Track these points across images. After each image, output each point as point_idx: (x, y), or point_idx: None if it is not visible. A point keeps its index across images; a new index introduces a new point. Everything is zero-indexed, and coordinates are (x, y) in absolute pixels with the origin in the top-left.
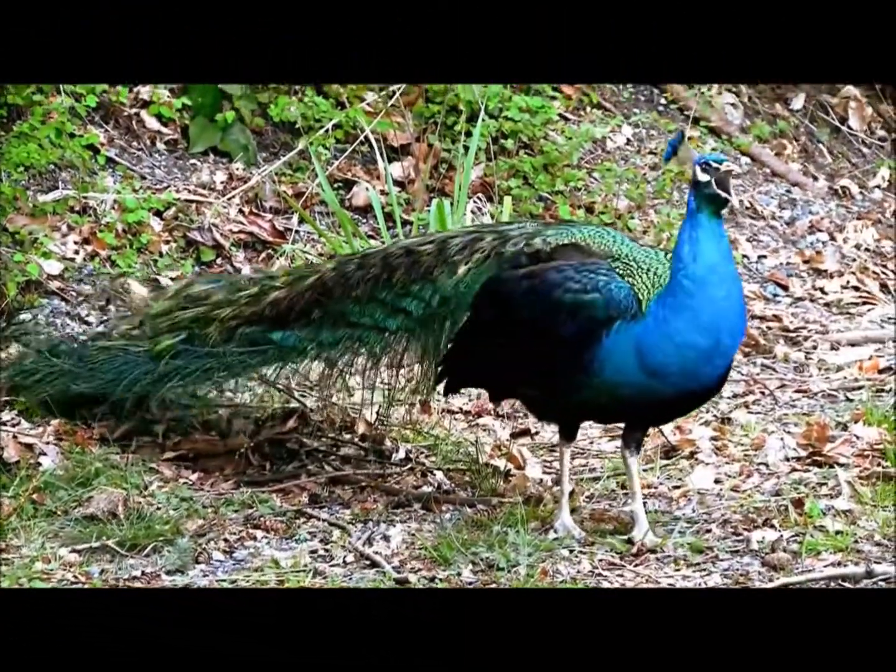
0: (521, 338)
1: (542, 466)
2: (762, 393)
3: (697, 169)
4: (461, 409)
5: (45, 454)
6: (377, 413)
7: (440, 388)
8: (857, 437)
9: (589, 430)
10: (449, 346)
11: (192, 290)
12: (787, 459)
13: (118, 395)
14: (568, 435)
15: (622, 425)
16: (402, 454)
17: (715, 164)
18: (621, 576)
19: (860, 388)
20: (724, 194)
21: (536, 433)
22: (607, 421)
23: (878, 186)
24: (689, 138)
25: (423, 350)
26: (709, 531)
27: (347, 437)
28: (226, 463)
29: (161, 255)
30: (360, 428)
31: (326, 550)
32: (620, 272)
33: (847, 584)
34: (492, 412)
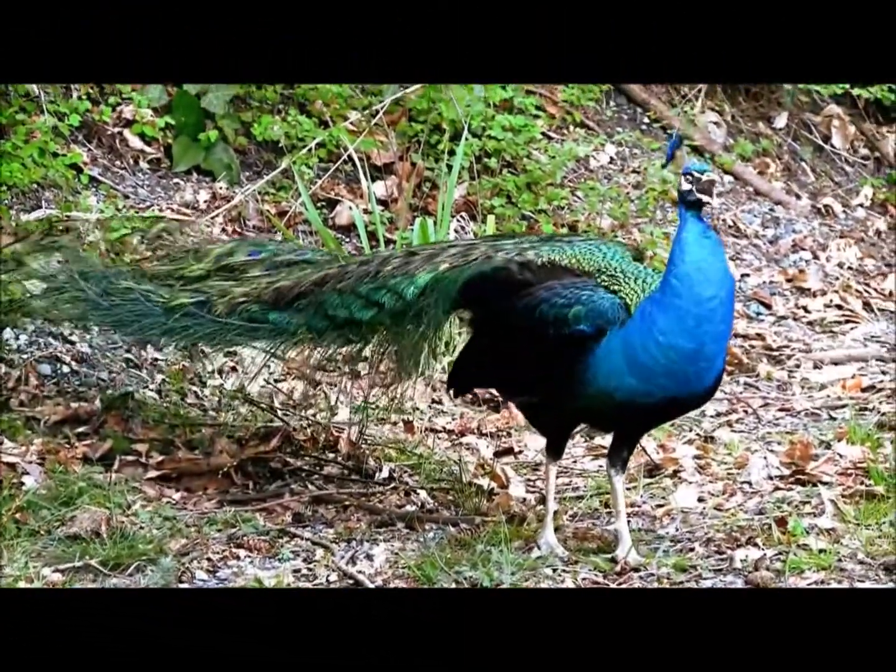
0: (517, 350)
1: (525, 485)
2: (745, 411)
3: (682, 178)
4: (444, 428)
5: (28, 473)
6: (360, 432)
7: (423, 400)
8: (841, 456)
9: (573, 450)
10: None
11: (231, 259)
12: (771, 478)
13: (123, 336)
14: (555, 452)
15: (608, 444)
16: (385, 473)
17: (697, 174)
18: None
19: (843, 406)
20: (704, 198)
21: (520, 452)
22: (604, 427)
23: (861, 205)
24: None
25: (399, 354)
26: (692, 550)
27: (331, 456)
28: (209, 482)
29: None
30: (344, 447)
31: (310, 569)
32: (607, 284)
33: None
34: (475, 431)
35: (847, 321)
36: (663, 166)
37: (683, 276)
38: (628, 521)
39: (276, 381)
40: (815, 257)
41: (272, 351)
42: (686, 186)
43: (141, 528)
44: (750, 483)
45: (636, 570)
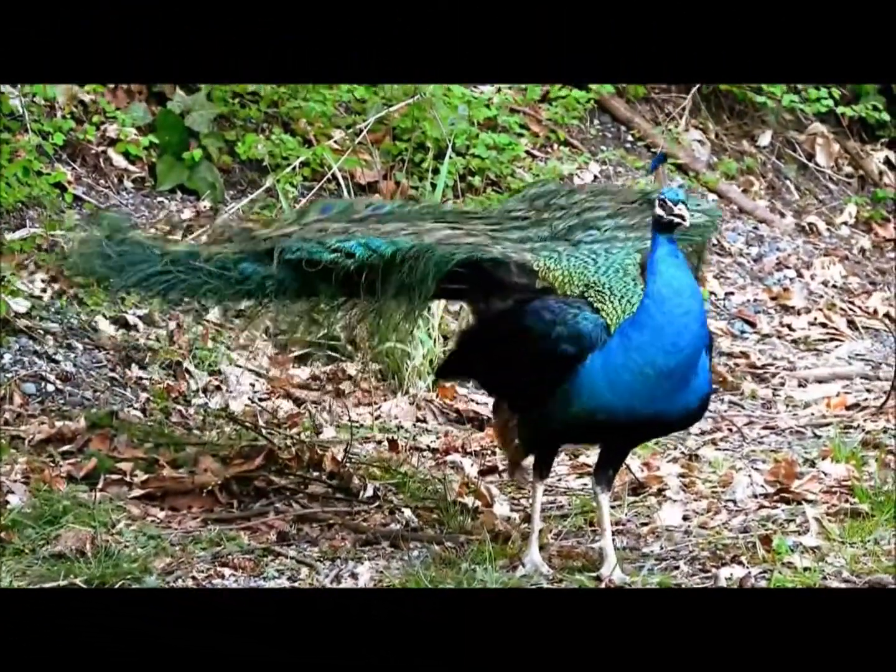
0: (505, 352)
1: (510, 504)
2: (730, 430)
3: (656, 202)
4: (429, 446)
5: (12, 492)
6: (345, 450)
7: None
8: (825, 474)
9: (557, 468)
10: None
11: (305, 218)
12: (755, 496)
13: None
14: (542, 471)
15: (592, 462)
16: (370, 492)
17: (670, 203)
18: None
19: (828, 424)
20: (676, 219)
21: (504, 470)
22: (590, 443)
23: (846, 223)
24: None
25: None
26: (677, 568)
27: (315, 474)
28: (193, 501)
29: (129, 293)
30: (328, 465)
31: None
32: (593, 300)
33: None
34: (460, 449)
35: (831, 339)
36: (647, 173)
37: (656, 294)
38: (613, 540)
39: (260, 399)
40: (800, 275)
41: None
42: (659, 212)
43: (125, 546)
44: (735, 501)
45: (621, 588)
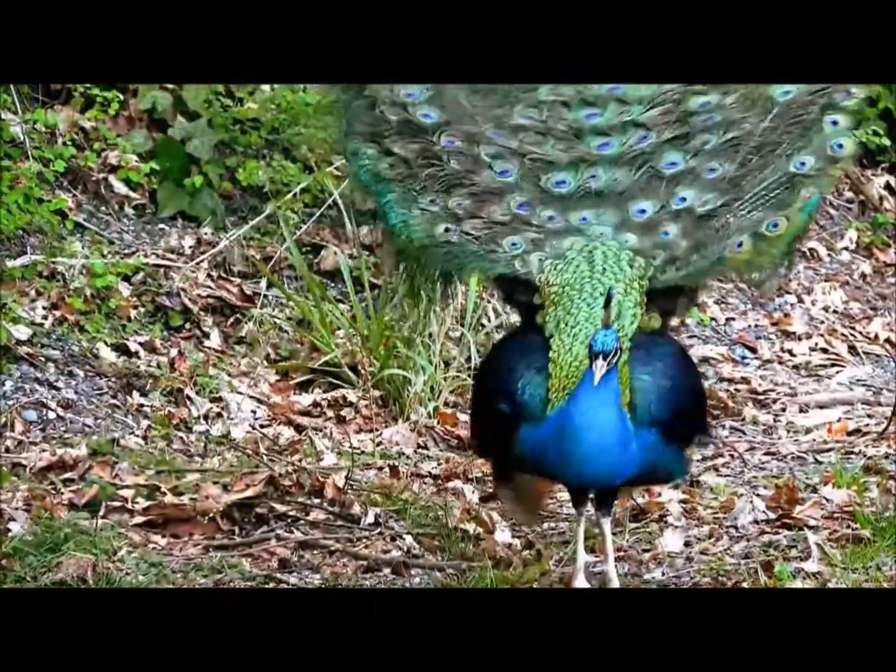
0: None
1: (511, 530)
2: (731, 455)
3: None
4: (430, 473)
5: (14, 520)
6: (346, 477)
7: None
8: (827, 500)
9: (559, 494)
10: None
11: None
12: (757, 522)
13: None
14: (574, 502)
15: None
16: (371, 518)
17: (594, 350)
18: None
19: (829, 450)
20: (599, 363)
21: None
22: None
23: (846, 248)
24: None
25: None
26: None
27: (317, 501)
28: (195, 528)
29: (130, 319)
30: (330, 492)
31: None
32: (554, 352)
33: None
34: (461, 476)
35: (833, 365)
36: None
37: (568, 416)
38: (616, 566)
39: (261, 426)
40: (801, 301)
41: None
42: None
43: (127, 574)
44: (736, 527)
45: None
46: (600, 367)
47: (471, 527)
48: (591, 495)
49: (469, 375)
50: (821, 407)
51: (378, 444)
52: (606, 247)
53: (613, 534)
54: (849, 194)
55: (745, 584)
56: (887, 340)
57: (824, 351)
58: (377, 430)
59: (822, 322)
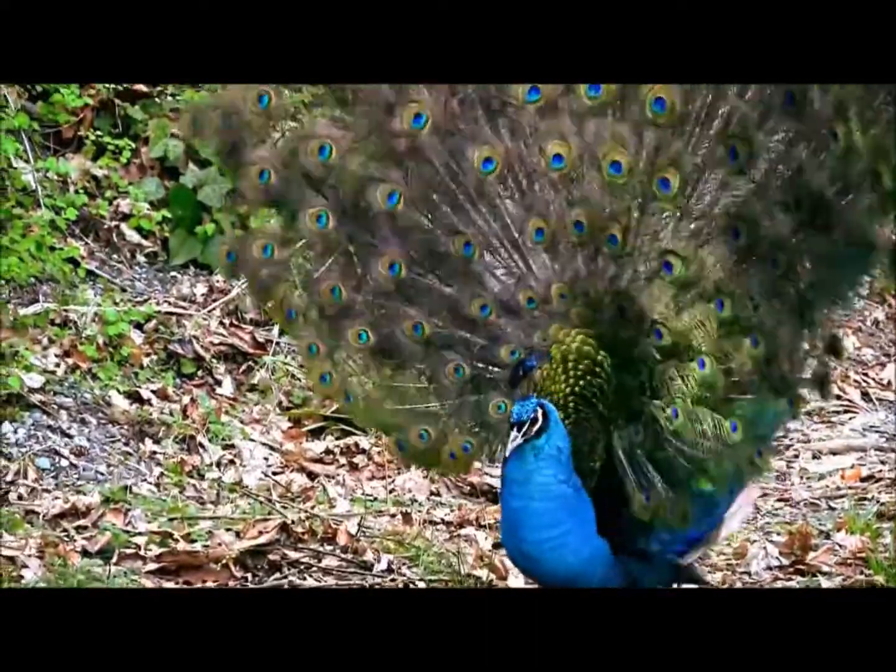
0: None
1: (524, 577)
2: None
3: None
4: (443, 519)
5: (27, 566)
6: (359, 524)
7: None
8: (840, 546)
9: None
10: None
11: None
12: (770, 568)
13: None
14: None
15: None
16: (384, 565)
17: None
18: None
19: (842, 496)
20: (513, 434)
21: None
22: None
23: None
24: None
25: None
26: None
27: (329, 548)
28: (208, 574)
29: (142, 367)
30: (342, 539)
31: None
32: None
33: None
34: (474, 522)
35: (846, 411)
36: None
37: (506, 481)
38: None
39: (274, 473)
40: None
41: None
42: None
43: None
44: (749, 573)
45: None
46: (513, 438)
47: (484, 573)
48: None
49: None
50: (834, 453)
51: (391, 491)
52: None
53: None
54: None
55: None
56: None
57: (837, 397)
58: (390, 476)
59: (835, 368)
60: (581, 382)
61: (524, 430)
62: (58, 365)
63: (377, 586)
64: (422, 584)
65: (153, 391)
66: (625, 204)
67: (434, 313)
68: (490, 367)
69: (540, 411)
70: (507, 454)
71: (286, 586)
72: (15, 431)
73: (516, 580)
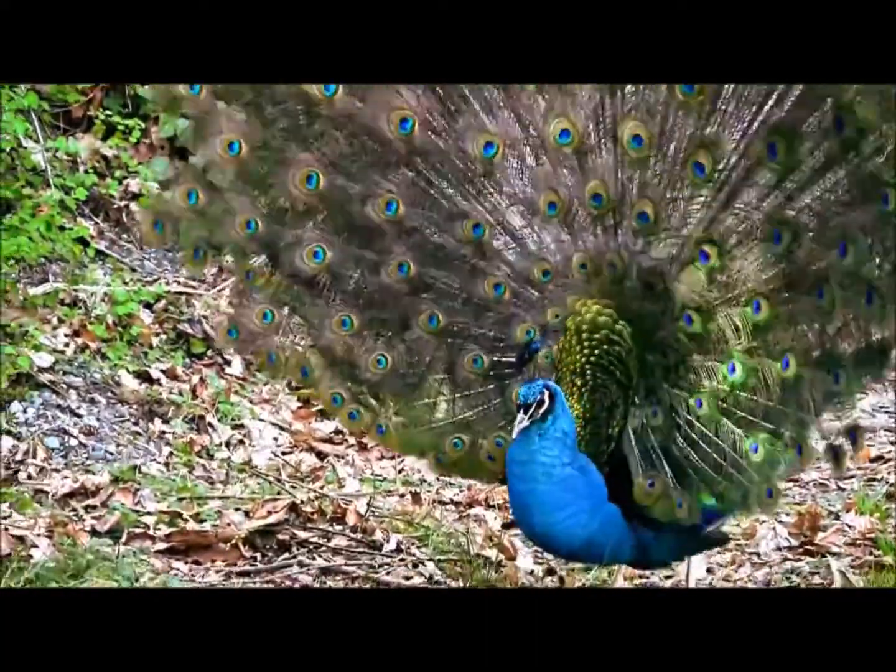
0: None
1: (533, 557)
2: None
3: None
4: (452, 499)
5: (36, 546)
6: (368, 504)
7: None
8: (849, 527)
9: None
10: None
11: None
12: (779, 549)
13: None
14: None
15: None
16: (393, 545)
17: (517, 403)
18: None
19: (852, 477)
20: (519, 416)
21: None
22: None
23: None
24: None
25: None
26: None
27: (338, 528)
28: (217, 554)
29: (151, 347)
30: (352, 519)
31: None
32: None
33: None
34: (483, 503)
35: None
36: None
37: (508, 458)
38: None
39: (283, 453)
40: None
41: None
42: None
43: None
44: (759, 554)
45: None
46: (519, 420)
47: (493, 553)
48: None
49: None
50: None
51: (400, 471)
52: None
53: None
54: None
55: None
56: None
57: None
58: (399, 456)
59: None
60: (597, 351)
61: (531, 412)
62: (67, 345)
63: (386, 566)
64: (430, 564)
65: (162, 371)
66: (653, 180)
67: (448, 302)
68: (507, 354)
69: (546, 393)
70: (514, 436)
71: (295, 567)
72: (24, 411)
73: (524, 560)
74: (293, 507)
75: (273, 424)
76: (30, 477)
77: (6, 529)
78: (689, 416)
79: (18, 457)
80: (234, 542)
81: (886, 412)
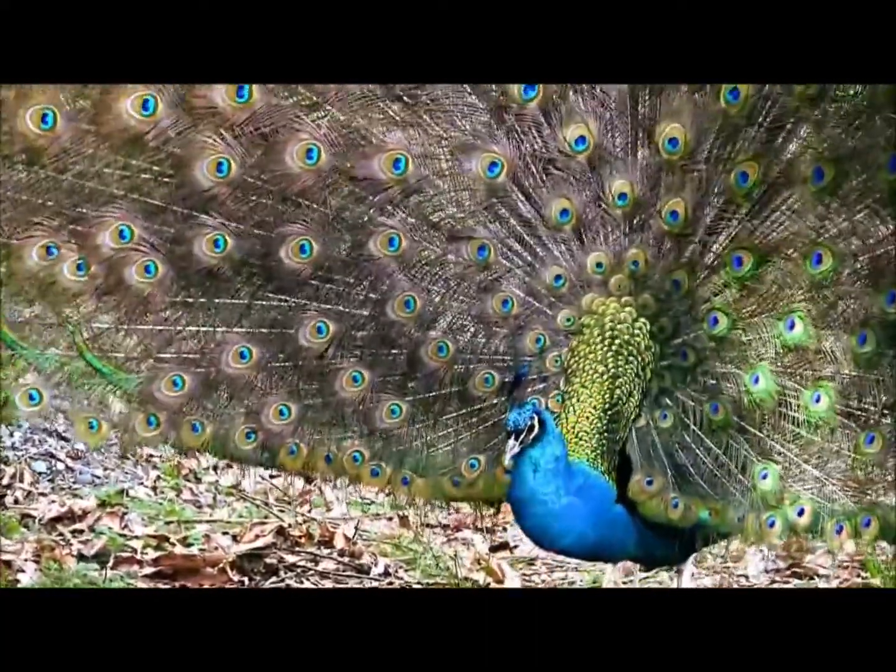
0: None
1: (521, 579)
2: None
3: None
4: (440, 522)
5: (23, 570)
6: (355, 528)
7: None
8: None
9: None
10: None
11: None
12: (767, 571)
13: None
14: None
15: None
16: (381, 568)
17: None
18: None
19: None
20: (510, 443)
21: (515, 546)
22: None
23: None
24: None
25: None
26: None
27: (326, 551)
28: (204, 578)
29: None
30: (339, 542)
31: None
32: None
33: None
34: (471, 526)
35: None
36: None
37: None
38: None
39: (271, 476)
40: None
41: None
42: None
43: None
44: (747, 577)
45: None
46: (510, 446)
47: (481, 577)
48: None
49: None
50: None
51: (388, 494)
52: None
53: (624, 582)
54: None
55: None
56: None
57: None
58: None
59: None
60: (618, 341)
61: (521, 437)
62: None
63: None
64: (419, 587)
65: None
66: (686, 182)
67: (456, 328)
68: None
69: (536, 419)
70: (506, 462)
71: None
72: (11, 435)
73: (512, 582)
74: (281, 531)
75: None
76: (17, 501)
77: None
78: (696, 428)
79: (5, 481)
80: (221, 565)
81: None
